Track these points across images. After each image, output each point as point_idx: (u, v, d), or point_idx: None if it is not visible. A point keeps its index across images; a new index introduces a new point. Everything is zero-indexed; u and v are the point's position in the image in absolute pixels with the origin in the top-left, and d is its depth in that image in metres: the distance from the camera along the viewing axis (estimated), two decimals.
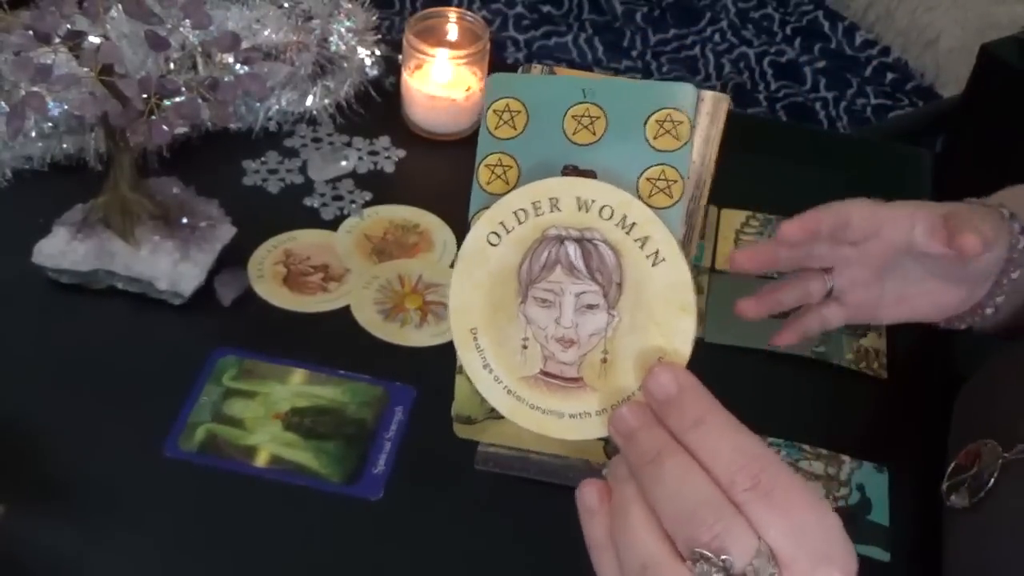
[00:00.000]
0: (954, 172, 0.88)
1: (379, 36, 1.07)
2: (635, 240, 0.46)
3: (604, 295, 0.47)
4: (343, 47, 1.03)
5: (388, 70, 1.07)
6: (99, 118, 0.77)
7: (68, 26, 0.74)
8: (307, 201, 0.96)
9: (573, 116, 0.48)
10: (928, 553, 0.71)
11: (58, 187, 0.92)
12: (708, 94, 0.47)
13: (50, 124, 0.93)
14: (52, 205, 0.87)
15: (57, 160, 0.94)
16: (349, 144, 1.02)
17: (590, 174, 0.47)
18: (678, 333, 0.46)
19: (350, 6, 1.04)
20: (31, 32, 0.73)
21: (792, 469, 0.42)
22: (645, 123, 0.47)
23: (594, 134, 0.48)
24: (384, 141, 1.03)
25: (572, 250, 0.47)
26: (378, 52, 1.06)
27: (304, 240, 0.93)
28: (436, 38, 1.03)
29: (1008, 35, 1.63)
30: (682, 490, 0.42)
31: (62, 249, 0.83)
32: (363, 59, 1.04)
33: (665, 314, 0.46)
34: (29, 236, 0.84)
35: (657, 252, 0.46)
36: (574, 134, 0.48)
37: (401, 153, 1.02)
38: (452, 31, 1.04)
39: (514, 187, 0.48)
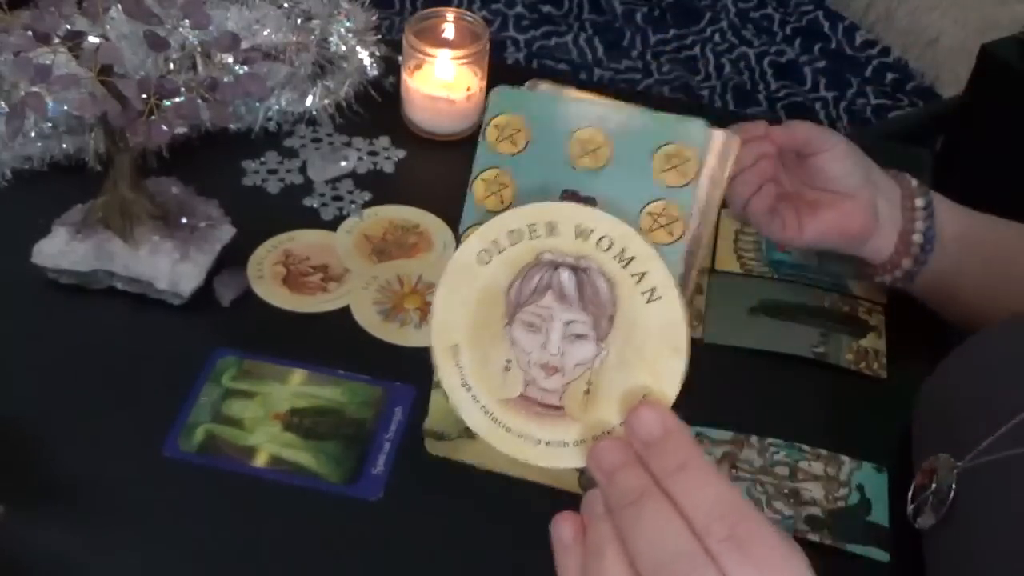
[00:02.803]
0: (954, 172, 0.88)
1: (379, 36, 1.07)
2: (632, 275, 0.45)
3: (594, 326, 0.46)
4: (343, 47, 1.03)
5: (388, 70, 1.07)
6: (98, 118, 0.77)
7: (67, 26, 0.74)
8: (307, 201, 0.96)
9: (578, 140, 0.46)
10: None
11: (58, 187, 0.91)
12: (719, 132, 0.46)
13: (49, 124, 0.93)
14: (52, 205, 0.87)
15: (56, 160, 0.94)
16: (349, 144, 1.02)
17: (590, 201, 0.46)
18: (666, 374, 0.45)
19: (350, 6, 1.04)
20: (31, 32, 0.73)
21: (769, 521, 0.42)
22: (652, 155, 0.46)
23: (598, 161, 0.46)
24: (384, 141, 1.03)
25: (566, 277, 0.46)
26: (378, 52, 1.06)
27: (304, 240, 0.93)
28: (436, 38, 1.03)
29: (1008, 35, 1.63)
30: (660, 538, 0.42)
31: (62, 249, 0.83)
32: (363, 59, 1.04)
33: (655, 353, 0.45)
34: (29, 236, 0.84)
35: (654, 290, 0.45)
36: (578, 159, 0.47)
37: (401, 153, 1.02)
38: (452, 31, 1.04)
39: (509, 206, 0.47)
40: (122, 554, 0.70)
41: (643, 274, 0.45)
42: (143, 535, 0.71)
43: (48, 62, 0.73)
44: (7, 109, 0.86)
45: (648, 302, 0.45)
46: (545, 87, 0.49)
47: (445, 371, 0.48)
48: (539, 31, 2.18)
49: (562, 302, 0.46)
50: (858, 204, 0.80)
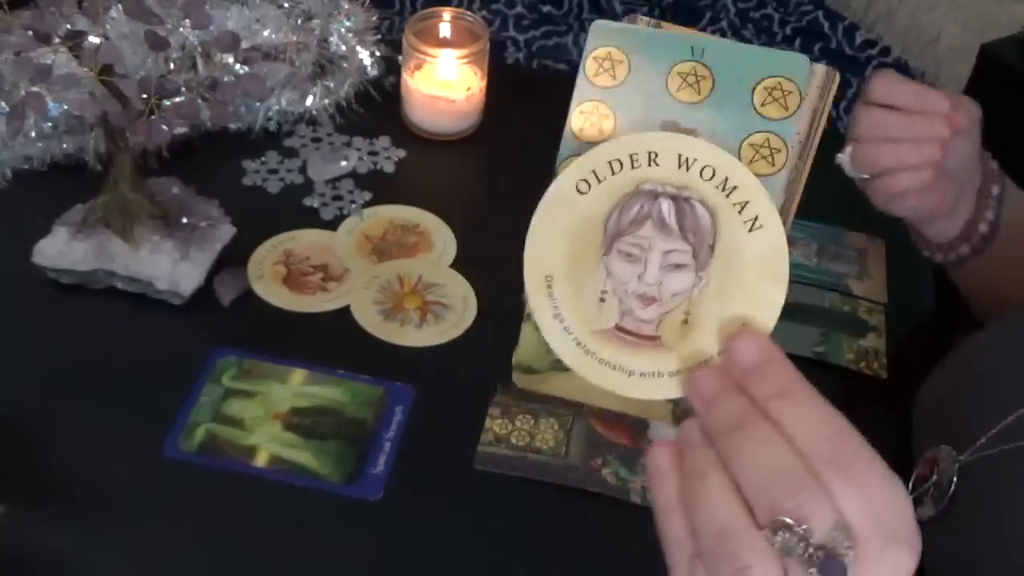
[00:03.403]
0: None
1: (379, 36, 1.07)
2: (734, 204, 0.45)
3: (694, 256, 0.46)
4: (343, 47, 1.03)
5: (388, 70, 1.07)
6: (99, 118, 0.77)
7: (68, 26, 0.74)
8: (307, 201, 0.96)
9: (679, 73, 0.47)
10: (928, 553, 0.71)
11: (58, 187, 0.92)
12: (820, 67, 0.47)
13: (50, 124, 0.93)
14: (52, 205, 0.87)
15: (57, 160, 0.94)
16: (349, 144, 1.02)
17: (691, 133, 0.47)
18: (766, 302, 0.45)
19: (350, 6, 1.04)
20: (31, 32, 0.73)
21: (870, 447, 0.42)
22: (754, 89, 0.46)
23: (699, 93, 0.47)
24: (384, 141, 1.03)
25: (666, 207, 0.46)
26: (378, 52, 1.06)
27: (304, 240, 0.93)
28: (436, 38, 1.03)
29: (1008, 35, 1.63)
30: (765, 458, 0.42)
31: (62, 249, 0.83)
32: (363, 59, 1.04)
33: (755, 282, 0.45)
34: (29, 236, 0.84)
35: (756, 218, 0.45)
36: (678, 91, 0.47)
37: (401, 153, 1.02)
38: (452, 31, 1.04)
39: (608, 137, 0.47)
40: (122, 554, 0.70)
41: (745, 203, 0.45)
42: (143, 535, 0.71)
43: (48, 62, 0.73)
44: (7, 109, 0.86)
45: (750, 231, 0.45)
46: (644, 21, 0.49)
47: (538, 303, 0.47)
48: (539, 31, 2.18)
49: (662, 231, 0.46)
50: (952, 187, 0.77)
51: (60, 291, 0.85)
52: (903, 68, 2.13)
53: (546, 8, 2.26)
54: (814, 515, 0.40)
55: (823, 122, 0.47)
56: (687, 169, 0.46)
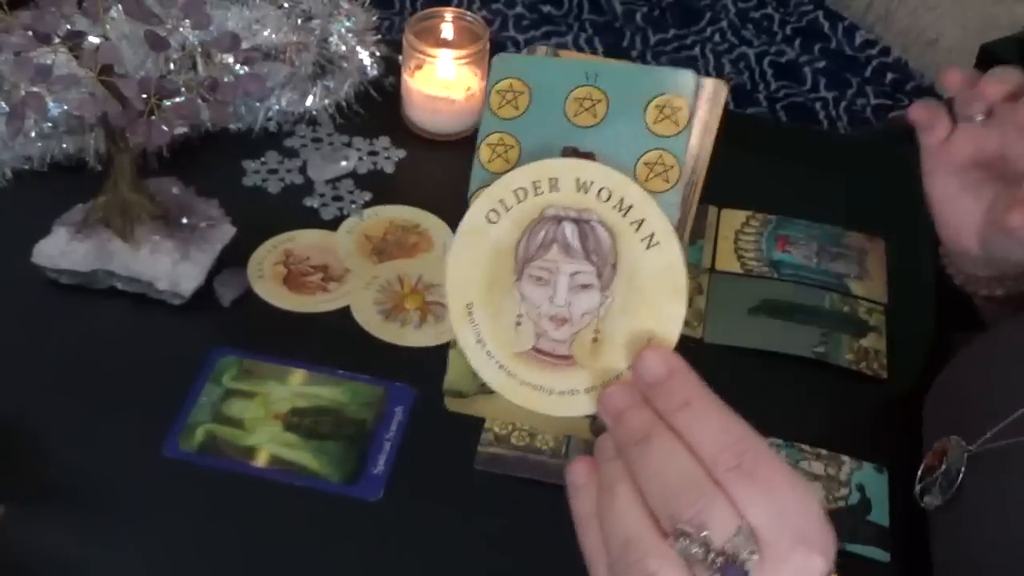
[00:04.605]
0: None
1: (379, 36, 1.07)
2: (631, 223, 0.47)
3: (598, 275, 0.48)
4: (343, 47, 1.03)
5: (388, 70, 1.07)
6: (99, 118, 0.77)
7: (68, 26, 0.74)
8: (307, 201, 0.96)
9: (575, 99, 0.48)
10: (928, 553, 0.71)
11: (58, 187, 0.91)
12: (708, 81, 0.48)
13: (50, 124, 0.93)
14: (52, 205, 0.87)
15: (57, 160, 0.94)
16: (349, 144, 1.02)
17: (589, 156, 0.48)
18: (668, 316, 0.47)
19: (350, 6, 1.04)
20: (31, 32, 0.73)
21: (775, 451, 0.43)
22: (645, 108, 0.48)
23: (595, 117, 0.48)
24: (384, 141, 1.03)
25: (569, 230, 0.48)
26: (378, 52, 1.06)
27: (304, 240, 0.93)
28: (436, 38, 1.03)
29: (1008, 35, 1.63)
30: (667, 469, 0.43)
31: (62, 249, 0.83)
32: (363, 59, 1.04)
33: (656, 297, 0.47)
34: (29, 236, 0.84)
35: (652, 235, 0.47)
36: (575, 116, 0.48)
37: (401, 153, 1.02)
38: (452, 31, 1.04)
39: (514, 166, 0.49)
40: (122, 554, 0.70)
41: (641, 221, 0.47)
42: (143, 535, 0.71)
43: (48, 62, 0.73)
44: (7, 109, 0.86)
45: (648, 248, 0.47)
46: (542, 51, 0.51)
47: (461, 330, 0.50)
48: (539, 31, 2.18)
49: (567, 254, 0.48)
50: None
51: (60, 291, 0.85)
52: (903, 68, 2.13)
53: (546, 8, 2.26)
54: (713, 522, 0.41)
55: (714, 134, 0.49)
56: (585, 192, 0.48)
